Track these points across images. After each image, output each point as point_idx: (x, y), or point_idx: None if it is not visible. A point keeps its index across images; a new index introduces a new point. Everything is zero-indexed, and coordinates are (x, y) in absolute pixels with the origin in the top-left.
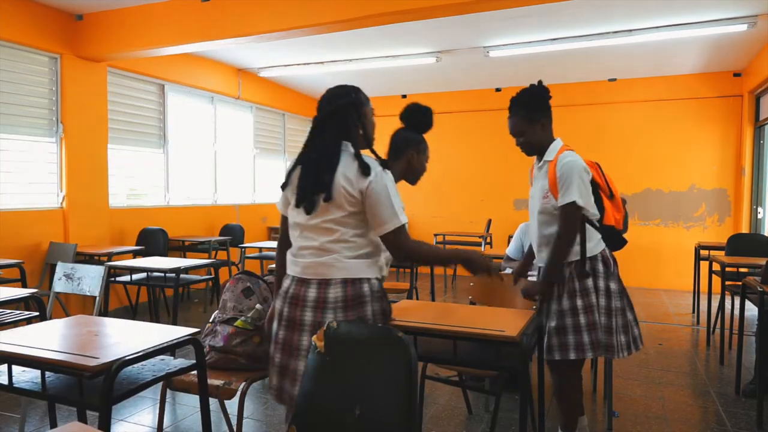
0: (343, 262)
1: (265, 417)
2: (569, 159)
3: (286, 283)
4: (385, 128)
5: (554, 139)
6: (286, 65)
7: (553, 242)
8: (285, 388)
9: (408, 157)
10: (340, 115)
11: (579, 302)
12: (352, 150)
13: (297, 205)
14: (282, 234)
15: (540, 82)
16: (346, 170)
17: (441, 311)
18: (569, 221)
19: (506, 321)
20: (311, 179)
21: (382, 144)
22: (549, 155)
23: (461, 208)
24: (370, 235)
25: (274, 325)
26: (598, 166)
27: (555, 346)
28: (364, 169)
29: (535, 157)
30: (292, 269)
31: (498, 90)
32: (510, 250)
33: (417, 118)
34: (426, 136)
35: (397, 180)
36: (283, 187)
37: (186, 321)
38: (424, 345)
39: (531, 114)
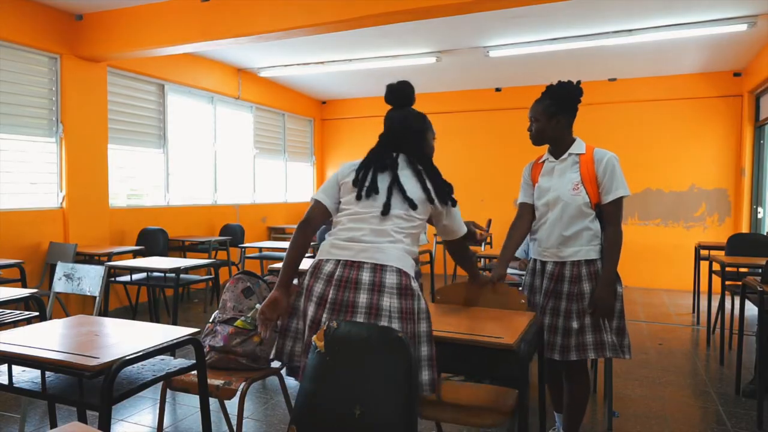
0: (401, 253)
1: (265, 417)
2: (612, 155)
3: (328, 267)
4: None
5: (575, 138)
6: (286, 65)
7: (612, 239)
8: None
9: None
10: (418, 138)
11: (619, 305)
12: (421, 168)
13: (382, 210)
14: (309, 217)
15: (579, 82)
16: (429, 186)
17: (440, 312)
18: (621, 215)
19: (506, 325)
20: (398, 187)
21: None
22: (578, 149)
23: (461, 208)
24: (421, 237)
25: (310, 308)
26: None
27: (576, 346)
28: (450, 196)
29: (546, 153)
30: (340, 253)
31: (498, 90)
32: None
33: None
34: None
35: None
36: (354, 182)
37: (186, 321)
38: None
39: (554, 106)
